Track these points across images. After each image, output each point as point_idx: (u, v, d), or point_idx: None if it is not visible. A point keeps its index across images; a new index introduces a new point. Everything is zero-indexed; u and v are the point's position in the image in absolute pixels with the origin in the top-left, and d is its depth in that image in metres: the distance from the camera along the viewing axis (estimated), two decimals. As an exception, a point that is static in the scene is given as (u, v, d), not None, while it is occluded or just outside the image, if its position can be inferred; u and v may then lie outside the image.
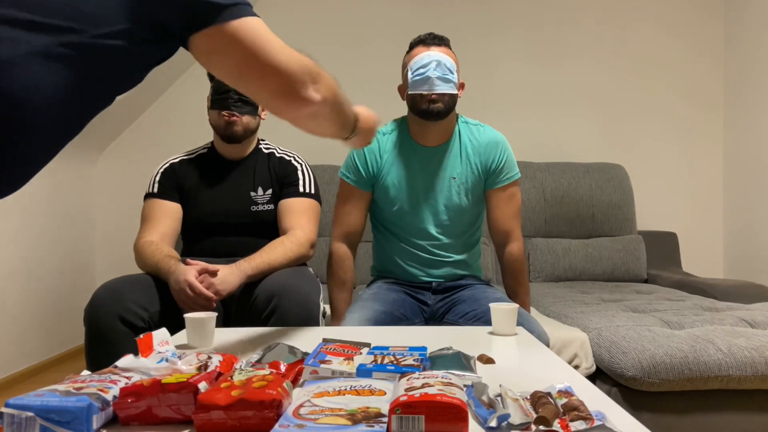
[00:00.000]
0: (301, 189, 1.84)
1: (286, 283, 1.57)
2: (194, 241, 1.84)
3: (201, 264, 1.56)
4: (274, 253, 1.66)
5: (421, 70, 1.64)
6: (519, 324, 1.40)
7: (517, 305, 1.39)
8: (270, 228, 1.82)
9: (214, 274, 1.53)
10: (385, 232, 1.83)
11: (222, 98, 1.78)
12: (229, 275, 1.56)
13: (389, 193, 1.77)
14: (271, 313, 1.52)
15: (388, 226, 1.81)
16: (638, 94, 3.43)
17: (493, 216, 1.79)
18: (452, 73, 1.65)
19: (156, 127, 3.35)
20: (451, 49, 1.73)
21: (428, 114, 1.66)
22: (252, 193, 1.84)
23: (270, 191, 1.85)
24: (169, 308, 1.57)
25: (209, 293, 1.50)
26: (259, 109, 1.86)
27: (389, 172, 1.77)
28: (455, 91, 1.67)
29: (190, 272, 1.52)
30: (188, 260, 1.59)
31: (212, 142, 1.93)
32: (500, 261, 1.81)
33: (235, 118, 1.78)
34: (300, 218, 1.79)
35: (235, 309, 1.66)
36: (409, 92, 1.67)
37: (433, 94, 1.63)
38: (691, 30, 3.43)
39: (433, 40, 1.70)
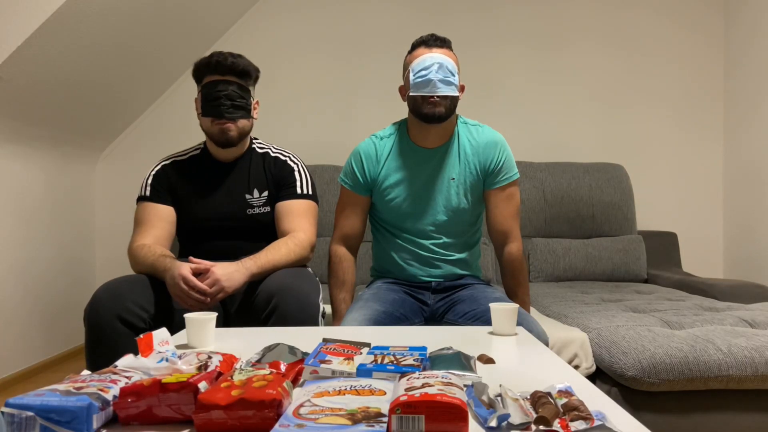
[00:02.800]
0: (299, 190, 1.82)
1: (286, 283, 1.56)
2: (190, 245, 1.83)
3: (202, 264, 1.55)
4: (278, 253, 1.66)
5: (423, 72, 1.64)
6: (519, 324, 1.40)
7: (517, 305, 1.38)
8: (267, 230, 1.81)
9: (206, 270, 1.53)
10: (384, 233, 1.83)
11: (214, 106, 1.72)
12: (236, 273, 1.55)
13: (389, 195, 1.77)
14: (271, 313, 1.52)
15: (388, 227, 1.81)
16: (639, 94, 3.43)
17: (492, 216, 1.79)
18: (453, 76, 1.65)
19: (156, 127, 3.35)
20: (452, 50, 1.72)
21: (430, 117, 1.66)
22: (247, 196, 1.81)
23: (266, 193, 1.82)
24: (169, 309, 1.57)
25: (203, 285, 1.50)
26: (252, 109, 1.81)
27: (388, 174, 1.77)
28: (456, 93, 1.67)
29: (184, 267, 1.52)
30: (191, 258, 1.57)
31: (204, 143, 1.89)
32: (499, 261, 1.81)
33: (229, 124, 1.74)
34: (301, 220, 1.78)
35: (235, 309, 1.65)
36: (411, 94, 1.67)
37: (435, 96, 1.63)
38: (692, 29, 3.43)
39: (435, 42, 1.69)
